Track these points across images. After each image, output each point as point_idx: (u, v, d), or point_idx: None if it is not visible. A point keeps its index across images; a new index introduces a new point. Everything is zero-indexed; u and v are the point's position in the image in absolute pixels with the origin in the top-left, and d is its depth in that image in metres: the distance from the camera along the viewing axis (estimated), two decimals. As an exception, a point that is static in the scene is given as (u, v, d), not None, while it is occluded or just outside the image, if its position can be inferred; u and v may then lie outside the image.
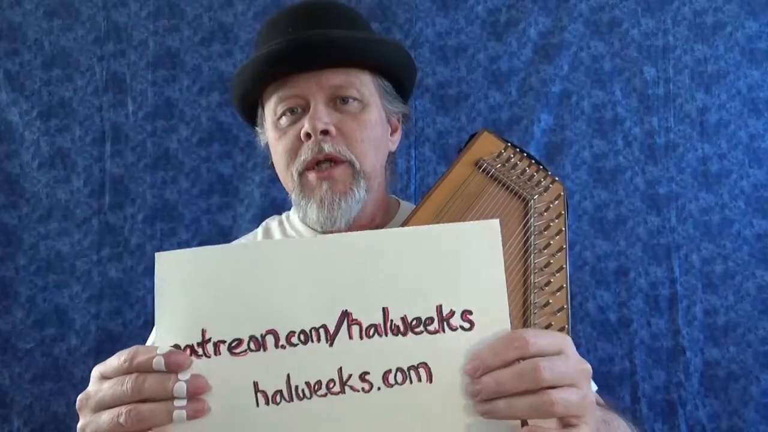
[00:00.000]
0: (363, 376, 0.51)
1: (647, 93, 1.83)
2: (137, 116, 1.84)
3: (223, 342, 0.51)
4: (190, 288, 0.52)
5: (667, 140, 1.83)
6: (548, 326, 0.65)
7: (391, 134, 0.90)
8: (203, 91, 1.85)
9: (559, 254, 0.71)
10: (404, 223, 0.74)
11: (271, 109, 0.83)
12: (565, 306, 0.67)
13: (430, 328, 0.52)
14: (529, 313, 0.66)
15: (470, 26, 1.86)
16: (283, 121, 0.82)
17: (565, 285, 0.69)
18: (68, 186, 1.82)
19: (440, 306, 0.52)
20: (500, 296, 0.53)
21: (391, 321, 0.52)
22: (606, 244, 1.81)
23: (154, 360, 0.49)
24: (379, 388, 0.51)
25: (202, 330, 0.51)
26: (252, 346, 0.51)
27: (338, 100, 0.81)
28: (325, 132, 0.78)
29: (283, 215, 0.98)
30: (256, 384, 0.51)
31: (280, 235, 0.93)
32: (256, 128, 0.91)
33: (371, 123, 0.82)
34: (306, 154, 0.79)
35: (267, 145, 0.89)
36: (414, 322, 0.52)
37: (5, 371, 1.77)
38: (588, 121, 1.84)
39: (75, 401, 0.53)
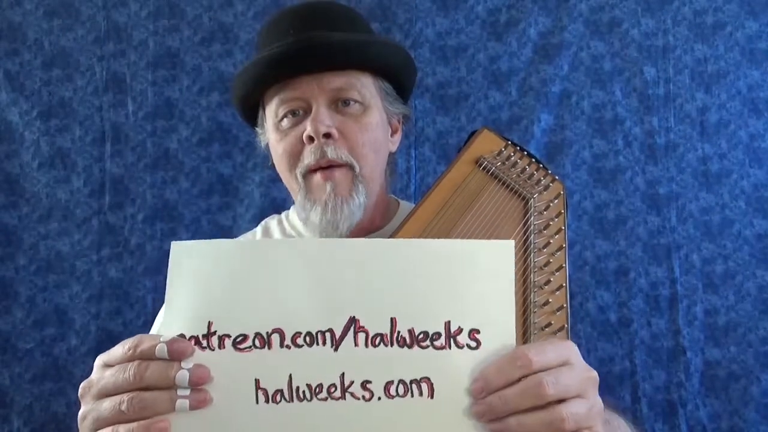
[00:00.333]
0: (365, 384, 0.51)
1: (647, 93, 1.83)
2: (137, 116, 1.84)
3: (228, 336, 0.51)
4: (200, 279, 0.52)
5: (667, 140, 1.83)
6: (548, 325, 0.65)
7: (392, 135, 0.90)
8: (203, 91, 1.85)
9: (558, 253, 0.71)
10: (404, 221, 0.74)
11: (273, 111, 0.83)
12: (565, 305, 0.67)
13: (437, 343, 0.52)
14: (528, 312, 0.66)
15: (470, 26, 1.86)
16: (285, 123, 0.82)
17: (564, 284, 0.68)
18: (68, 186, 1.82)
19: (449, 322, 0.52)
20: (509, 318, 0.52)
21: (398, 332, 0.52)
22: (606, 244, 1.81)
23: (157, 347, 0.49)
24: (379, 398, 0.51)
25: (209, 322, 0.51)
26: (257, 343, 0.51)
27: (339, 103, 0.81)
28: (327, 135, 0.78)
29: (282, 215, 0.98)
30: (257, 381, 0.51)
31: (279, 234, 0.93)
32: (257, 129, 0.91)
33: (372, 125, 0.82)
34: (309, 158, 0.79)
35: (267, 145, 0.89)
36: (421, 336, 0.52)
37: (5, 371, 1.77)
38: (588, 121, 1.84)
39: (75, 401, 0.53)
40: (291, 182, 0.84)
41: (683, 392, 1.75)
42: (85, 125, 1.84)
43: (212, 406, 0.50)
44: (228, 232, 1.81)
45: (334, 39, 0.79)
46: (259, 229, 0.97)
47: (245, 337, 0.51)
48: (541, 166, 0.78)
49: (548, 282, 0.68)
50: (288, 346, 0.51)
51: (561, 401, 0.49)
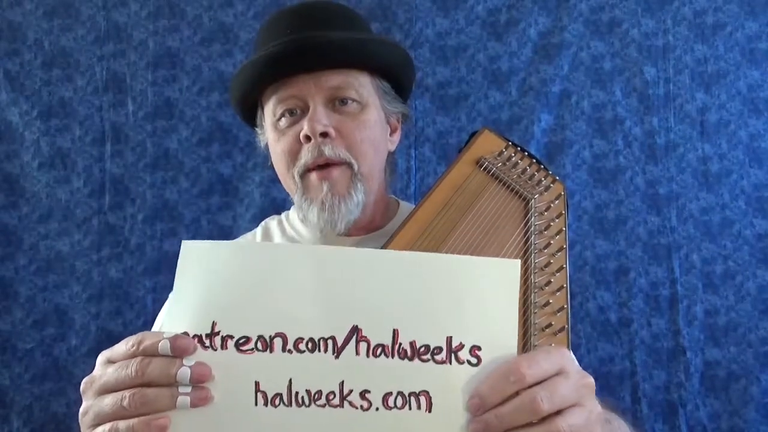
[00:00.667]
0: (363, 394, 0.51)
1: (647, 93, 1.83)
2: (137, 116, 1.84)
3: (231, 337, 0.51)
4: (207, 280, 0.53)
5: (667, 140, 1.83)
6: (548, 326, 0.65)
7: (391, 134, 0.90)
8: (203, 91, 1.85)
9: (559, 254, 0.70)
10: (405, 222, 0.73)
11: (271, 110, 0.83)
12: (565, 306, 0.67)
13: (438, 357, 0.52)
14: (529, 313, 0.66)
15: (470, 26, 1.86)
16: (283, 122, 0.82)
17: (565, 285, 0.68)
18: (68, 186, 1.82)
19: (451, 337, 0.52)
20: (511, 336, 0.52)
21: (400, 344, 0.52)
22: (606, 244, 1.81)
23: (160, 344, 0.50)
24: (377, 409, 0.51)
25: (213, 322, 0.51)
26: (259, 345, 0.51)
27: (337, 102, 0.81)
28: (324, 134, 0.78)
29: (283, 215, 0.97)
30: (257, 383, 0.51)
31: (279, 234, 0.93)
32: (256, 129, 0.91)
33: (370, 124, 0.82)
34: (306, 157, 0.79)
35: (267, 145, 0.89)
36: (422, 349, 0.52)
37: (5, 371, 1.77)
38: (588, 121, 1.84)
39: (75, 401, 0.53)
40: (289, 182, 0.84)
41: (683, 392, 1.75)
42: (85, 125, 1.84)
43: (212, 405, 0.50)
44: (228, 232, 1.81)
45: (332, 38, 0.79)
46: (259, 229, 0.97)
47: (248, 339, 0.51)
48: (542, 166, 0.78)
49: (549, 283, 0.68)
50: (290, 351, 0.51)
51: (558, 412, 0.49)
